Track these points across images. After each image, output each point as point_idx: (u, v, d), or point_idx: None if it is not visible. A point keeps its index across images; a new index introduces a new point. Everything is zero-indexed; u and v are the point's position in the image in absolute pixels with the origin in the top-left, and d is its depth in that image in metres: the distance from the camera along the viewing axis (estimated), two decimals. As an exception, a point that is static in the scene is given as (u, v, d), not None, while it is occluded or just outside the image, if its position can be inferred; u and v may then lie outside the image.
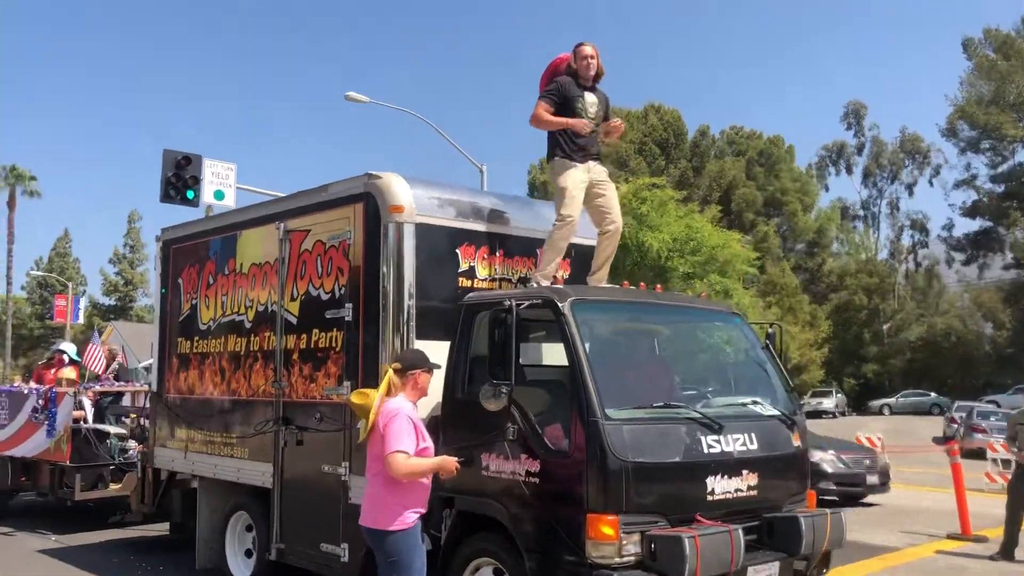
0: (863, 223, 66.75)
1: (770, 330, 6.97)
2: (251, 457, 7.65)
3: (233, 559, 8.00)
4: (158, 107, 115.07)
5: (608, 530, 5.13)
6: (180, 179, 16.01)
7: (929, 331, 54.68)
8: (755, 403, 6.28)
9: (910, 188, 65.27)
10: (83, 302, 63.75)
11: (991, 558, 9.93)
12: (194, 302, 8.70)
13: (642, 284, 6.91)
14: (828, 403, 46.99)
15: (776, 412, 6.28)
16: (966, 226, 58.57)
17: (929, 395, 48.49)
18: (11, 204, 59.94)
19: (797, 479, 6.27)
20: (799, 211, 58.11)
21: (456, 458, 5.38)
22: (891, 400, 49.65)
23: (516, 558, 5.55)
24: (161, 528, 10.07)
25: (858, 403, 53.20)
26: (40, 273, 73.60)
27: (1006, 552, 9.89)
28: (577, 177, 6.57)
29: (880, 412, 48.59)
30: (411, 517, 5.20)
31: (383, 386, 5.34)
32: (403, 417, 5.12)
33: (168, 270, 9.22)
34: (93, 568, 9.01)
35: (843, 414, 48.20)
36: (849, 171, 66.67)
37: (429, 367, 5.46)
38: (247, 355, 7.89)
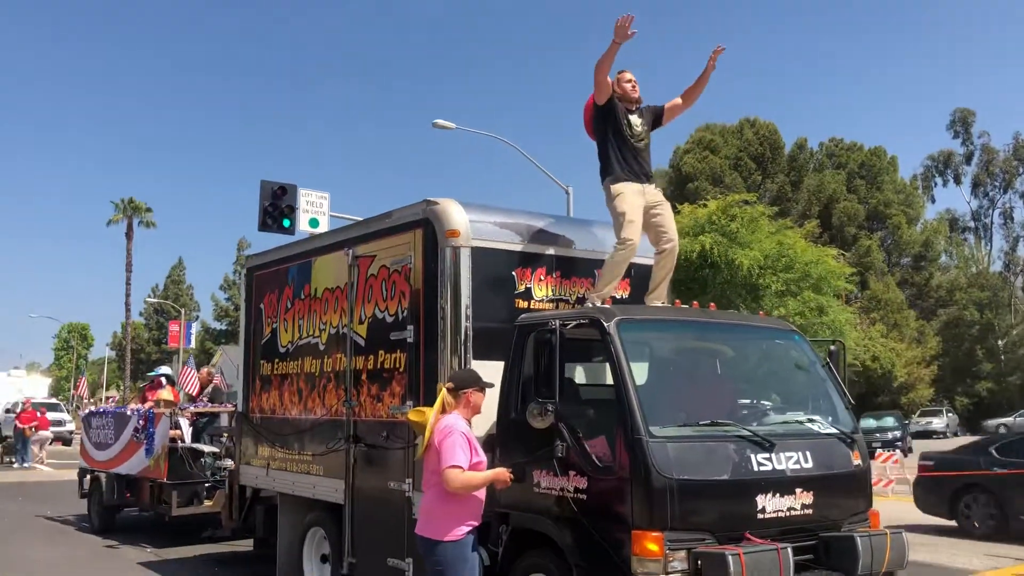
0: (973, 235, 64.18)
1: (832, 347, 6.88)
2: (325, 474, 7.93)
3: (309, 573, 8.30)
4: (262, 139, 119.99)
5: (653, 547, 5.17)
6: (276, 208, 16.67)
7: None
8: (811, 421, 6.22)
9: (1024, 197, 62.54)
10: (195, 327, 66.38)
11: None
12: (274, 326, 9.10)
13: (695, 303, 6.92)
14: (938, 423, 45.10)
15: (834, 430, 6.21)
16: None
17: (1051, 414, 46.07)
18: (128, 235, 62.95)
19: (857, 498, 6.16)
20: (904, 224, 56.25)
21: (508, 470, 5.57)
22: (1008, 419, 47.33)
23: (567, 573, 5.63)
24: (248, 543, 10.49)
25: (972, 423, 50.89)
26: (156, 300, 77.16)
27: None
28: (634, 201, 6.65)
29: (996, 432, 46.41)
30: (462, 530, 5.36)
31: (437, 404, 5.56)
32: (457, 433, 5.32)
33: (252, 296, 9.66)
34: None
35: (955, 434, 46.16)
36: (957, 181, 64.34)
37: (481, 386, 5.64)
38: (321, 376, 8.20)
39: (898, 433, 33.11)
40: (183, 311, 69.71)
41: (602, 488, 5.52)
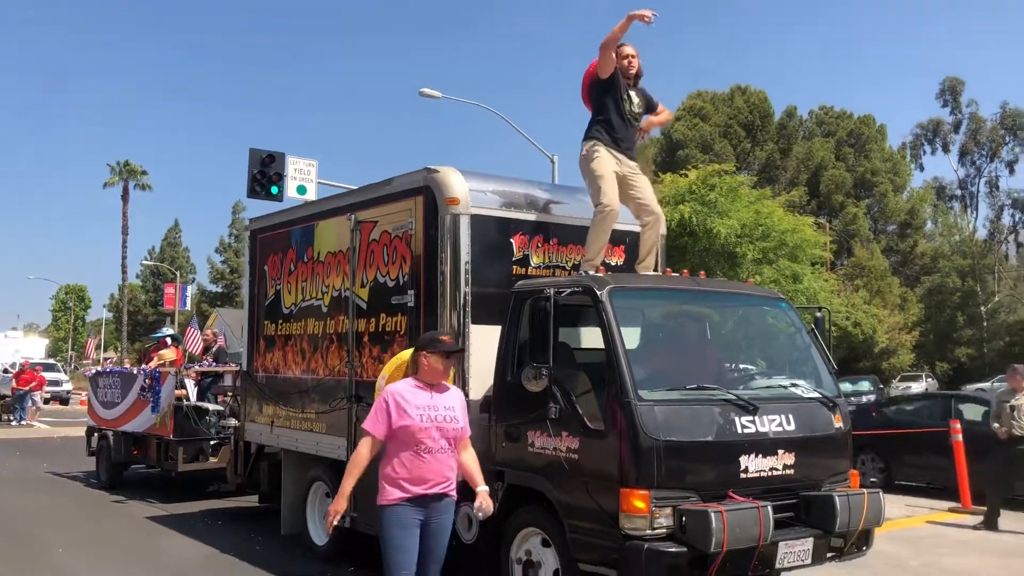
0: (960, 203, 64.10)
1: (818, 314, 7.01)
2: (328, 432, 8.07)
3: (313, 526, 8.48)
4: (256, 104, 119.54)
5: (640, 504, 5.33)
6: (265, 176, 16.72)
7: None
8: (795, 385, 6.35)
9: (1011, 166, 62.31)
10: (191, 289, 66.07)
11: (974, 528, 10.36)
12: (278, 287, 9.20)
13: (685, 271, 7.03)
14: (917, 387, 45.44)
15: (817, 394, 6.35)
16: (1070, 205, 55.83)
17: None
18: (124, 197, 62.36)
19: (837, 459, 6.31)
20: (890, 192, 56.28)
21: (337, 512, 4.86)
22: (986, 384, 47.78)
23: (559, 529, 5.81)
24: (253, 499, 10.67)
25: (952, 387, 51.30)
26: (152, 263, 76.86)
27: (989, 523, 10.36)
28: (608, 164, 6.71)
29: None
30: (392, 494, 4.81)
31: (390, 365, 5.54)
32: (381, 398, 4.91)
33: (255, 258, 9.74)
34: (192, 533, 9.66)
35: (935, 398, 46.56)
36: (945, 150, 63.85)
37: (436, 349, 4.98)
38: (324, 337, 8.32)
39: (872, 397, 33.44)
40: (179, 273, 69.56)
41: (593, 448, 5.66)
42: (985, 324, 54.00)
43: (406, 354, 5.29)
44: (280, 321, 9.09)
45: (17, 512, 10.93)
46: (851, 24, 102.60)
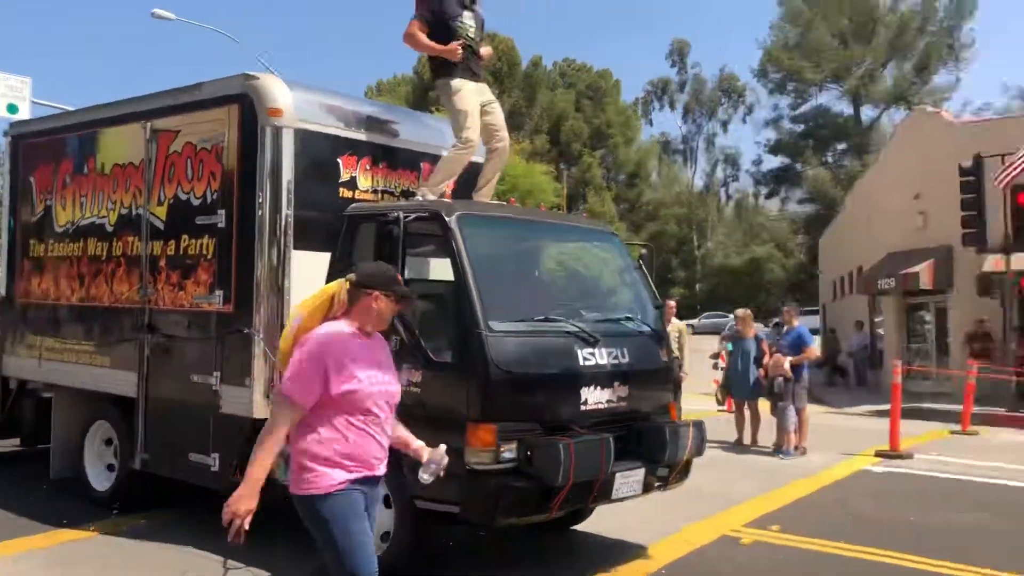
0: (681, 157, 68.91)
1: (643, 251, 6.92)
2: (113, 365, 6.95)
3: (92, 469, 7.30)
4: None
5: (487, 437, 4.94)
6: (-29, 93, 14.86)
7: (747, 257, 57.30)
8: (628, 319, 6.19)
9: (725, 125, 67.83)
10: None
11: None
12: (49, 203, 7.75)
13: (512, 200, 6.65)
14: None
15: (647, 328, 6.22)
16: (771, 163, 61.83)
17: (727, 316, 51.23)
18: None
19: (664, 392, 6.22)
20: (621, 144, 59.40)
21: (249, 511, 3.33)
22: (695, 321, 52.22)
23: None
24: (11, 443, 9.10)
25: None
26: None
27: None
28: (473, 100, 6.17)
29: (687, 332, 50.96)
30: (336, 476, 3.46)
31: (312, 300, 3.76)
32: (309, 351, 3.45)
33: (17, 166, 8.16)
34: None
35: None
36: (672, 107, 68.30)
37: (394, 292, 3.66)
38: (109, 260, 7.10)
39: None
40: None
41: (437, 381, 5.19)
42: (698, 267, 58.88)
43: (333, 287, 3.72)
44: (51, 241, 7.69)
45: None
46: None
